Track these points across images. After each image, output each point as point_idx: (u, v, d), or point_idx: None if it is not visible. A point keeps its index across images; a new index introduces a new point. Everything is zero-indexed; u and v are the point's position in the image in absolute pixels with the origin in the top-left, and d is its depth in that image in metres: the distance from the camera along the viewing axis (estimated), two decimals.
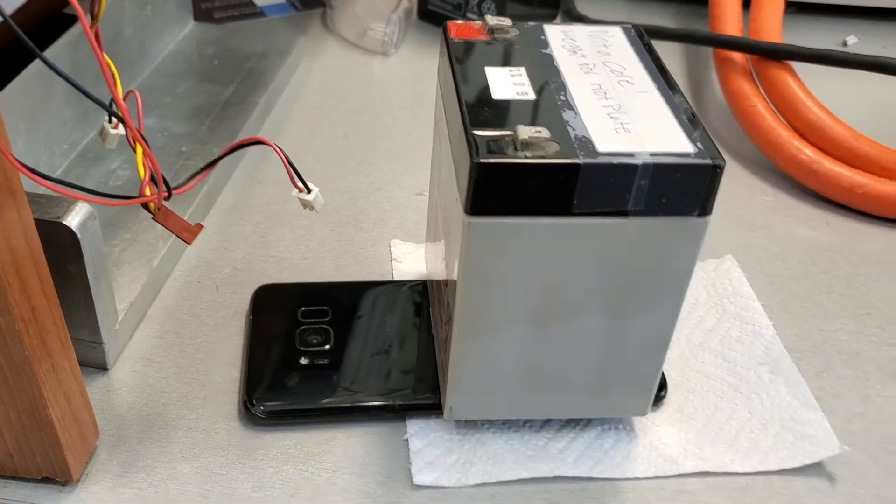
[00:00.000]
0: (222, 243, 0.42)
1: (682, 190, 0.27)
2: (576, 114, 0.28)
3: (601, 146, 0.26)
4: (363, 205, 0.45)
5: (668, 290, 0.29)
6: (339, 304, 0.38)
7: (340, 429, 0.34)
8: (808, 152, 0.47)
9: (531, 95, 0.29)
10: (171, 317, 0.38)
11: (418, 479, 0.32)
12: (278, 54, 0.55)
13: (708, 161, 0.26)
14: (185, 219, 0.29)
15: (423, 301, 0.38)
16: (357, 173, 0.48)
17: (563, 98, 0.29)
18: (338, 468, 0.32)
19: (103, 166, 0.44)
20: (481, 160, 0.26)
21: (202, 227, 0.29)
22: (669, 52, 0.62)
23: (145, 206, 0.28)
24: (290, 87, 0.55)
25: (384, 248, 0.42)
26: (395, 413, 0.34)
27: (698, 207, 0.27)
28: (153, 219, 0.29)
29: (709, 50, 0.57)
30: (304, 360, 0.35)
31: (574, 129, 0.27)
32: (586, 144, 0.26)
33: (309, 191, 0.29)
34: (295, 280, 0.40)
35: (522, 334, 0.30)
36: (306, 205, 0.30)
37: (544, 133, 0.26)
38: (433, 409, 0.34)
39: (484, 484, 0.32)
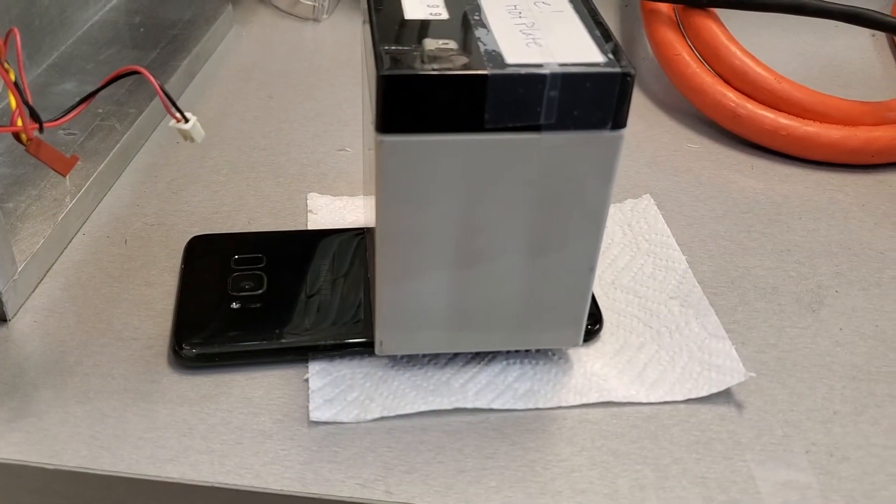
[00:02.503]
0: (134, 200, 0.42)
1: (593, 101, 0.26)
2: (488, 31, 0.28)
3: (510, 58, 0.26)
4: (282, 160, 0.45)
5: (587, 211, 0.29)
6: (274, 251, 0.37)
7: (241, 372, 0.33)
8: (731, 97, 0.47)
9: (444, 16, 0.29)
10: (78, 270, 0.37)
11: (315, 415, 0.31)
12: (205, 21, 0.54)
13: (618, 69, 0.26)
14: (66, 157, 0.29)
15: (361, 247, 0.38)
16: (278, 131, 0.47)
17: (476, 17, 0.28)
18: (234, 408, 0.32)
19: None
20: (386, 73, 0.25)
21: (77, 158, 0.29)
22: (603, 13, 0.61)
23: (17, 137, 0.28)
24: (217, 53, 0.54)
25: (300, 202, 0.42)
26: (326, 352, 0.33)
27: (611, 119, 0.27)
28: (26, 150, 0.28)
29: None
30: (235, 305, 0.35)
31: (485, 45, 0.27)
32: (495, 57, 0.26)
33: (186, 120, 0.29)
34: (210, 231, 0.39)
35: (445, 264, 0.29)
36: (185, 136, 0.29)
37: (451, 45, 0.26)
38: (365, 347, 0.33)
39: (382, 418, 0.31)
